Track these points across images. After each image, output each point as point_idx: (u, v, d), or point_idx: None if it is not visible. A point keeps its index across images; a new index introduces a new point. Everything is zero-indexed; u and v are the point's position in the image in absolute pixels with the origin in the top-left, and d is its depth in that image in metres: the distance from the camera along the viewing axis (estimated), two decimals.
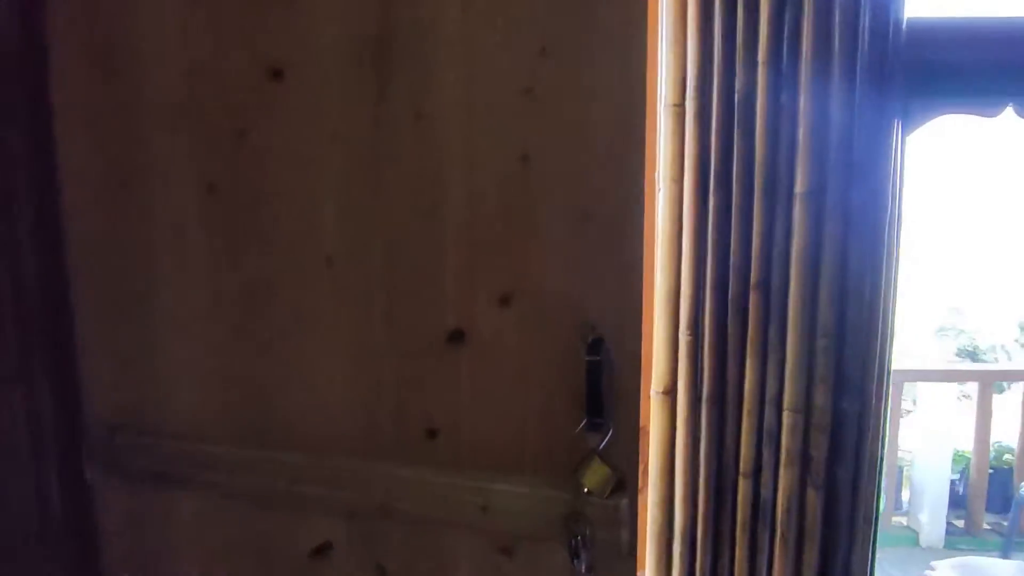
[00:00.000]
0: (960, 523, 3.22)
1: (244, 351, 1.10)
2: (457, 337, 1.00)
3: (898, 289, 1.13)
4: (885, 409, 1.12)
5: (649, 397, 1.16)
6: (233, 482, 1.13)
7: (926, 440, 3.31)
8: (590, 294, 0.93)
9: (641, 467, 1.22)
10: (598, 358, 0.90)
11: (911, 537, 3.20)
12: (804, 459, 1.09)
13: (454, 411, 1.02)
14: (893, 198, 1.06)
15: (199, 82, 1.07)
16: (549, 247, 0.93)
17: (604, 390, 0.92)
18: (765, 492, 1.10)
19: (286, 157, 1.04)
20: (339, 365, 1.06)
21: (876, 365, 1.07)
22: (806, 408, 1.08)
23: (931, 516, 3.16)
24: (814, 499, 1.10)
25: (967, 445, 3.21)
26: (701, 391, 1.10)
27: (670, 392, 1.12)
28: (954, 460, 3.25)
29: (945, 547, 3.10)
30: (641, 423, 1.20)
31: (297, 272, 1.06)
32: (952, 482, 3.22)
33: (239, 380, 1.11)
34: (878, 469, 1.12)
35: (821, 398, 1.07)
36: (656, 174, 1.10)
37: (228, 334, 1.11)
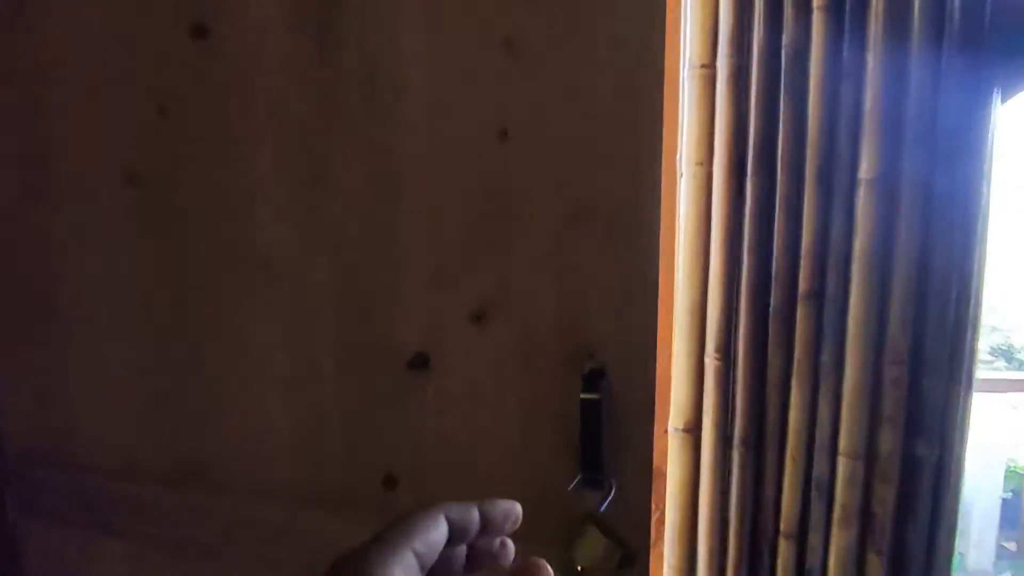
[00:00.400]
0: (1012, 546, 2.94)
1: (171, 375, 0.90)
2: (419, 363, 0.79)
3: (983, 301, 0.89)
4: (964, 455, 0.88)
5: (666, 434, 0.93)
6: (162, 530, 0.94)
7: (975, 453, 3.02)
8: (588, 310, 0.71)
9: (656, 516, 1.00)
10: (596, 396, 0.68)
11: (956, 559, 2.92)
12: (864, 517, 0.85)
13: (416, 455, 0.81)
14: (986, 185, 0.82)
15: (110, 43, 0.87)
16: (535, 250, 0.72)
17: (605, 437, 0.70)
18: (812, 558, 0.87)
19: (213, 137, 0.84)
20: (279, 394, 0.86)
21: (960, 400, 0.84)
22: (868, 454, 0.84)
23: (979, 537, 2.88)
24: (877, 567, 0.86)
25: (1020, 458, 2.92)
26: (732, 430, 0.87)
27: (692, 430, 0.90)
28: (1006, 476, 2.96)
29: (995, 572, 2.82)
30: (656, 464, 0.97)
31: (230, 279, 0.86)
32: (1003, 500, 2.93)
33: (165, 409, 0.91)
34: (956, 529, 0.88)
35: (888, 442, 0.83)
36: (678, 156, 0.87)
37: (152, 354, 0.91)
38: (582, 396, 0.68)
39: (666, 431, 0.93)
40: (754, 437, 0.87)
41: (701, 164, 0.84)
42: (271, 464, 0.87)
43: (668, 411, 0.93)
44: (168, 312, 0.90)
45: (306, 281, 0.82)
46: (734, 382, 0.86)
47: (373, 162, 0.77)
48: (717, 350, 0.86)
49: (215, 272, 0.87)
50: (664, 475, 0.98)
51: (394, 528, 0.28)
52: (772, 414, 0.86)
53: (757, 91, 0.81)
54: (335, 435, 0.83)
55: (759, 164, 0.82)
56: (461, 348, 0.76)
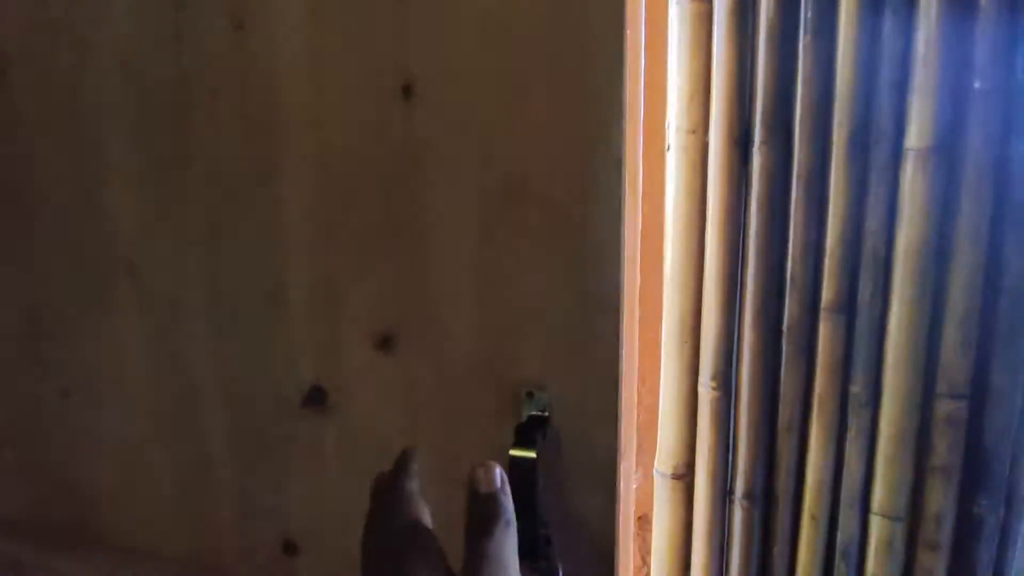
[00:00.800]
0: None
1: (28, 405, 0.73)
2: (316, 398, 0.60)
3: None
4: None
5: (651, 478, 0.74)
6: None
7: None
8: (527, 332, 0.52)
9: (643, 573, 0.81)
10: (531, 454, 0.49)
11: None
12: None
13: (318, 515, 0.63)
14: None
15: None
16: (454, 248, 0.53)
17: (546, 509, 0.51)
18: None
19: (56, 100, 0.65)
20: (155, 435, 0.68)
21: None
22: (911, 513, 0.65)
23: None
24: None
25: None
26: (733, 479, 0.68)
27: (683, 476, 0.71)
28: None
29: None
30: (643, 511, 0.78)
31: (90, 288, 0.68)
32: None
33: (24, 451, 0.74)
34: None
35: (938, 497, 0.64)
36: (667, 121, 0.67)
37: (5, 380, 0.74)
38: (512, 453, 0.48)
39: (650, 475, 0.74)
40: (761, 489, 0.67)
41: (694, 132, 0.64)
42: (153, 523, 0.69)
43: (653, 450, 0.74)
44: (19, 328, 0.73)
45: (175, 290, 0.63)
46: (736, 418, 0.67)
47: (246, 136, 0.58)
48: (714, 377, 0.66)
49: (70, 277, 0.69)
50: (650, 522, 0.79)
51: (397, 511, 0.29)
52: (785, 460, 0.66)
53: (768, 32, 0.60)
54: (225, 488, 0.66)
55: (770, 131, 0.62)
56: (364, 381, 0.57)
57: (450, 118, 0.50)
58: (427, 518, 0.30)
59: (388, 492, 0.30)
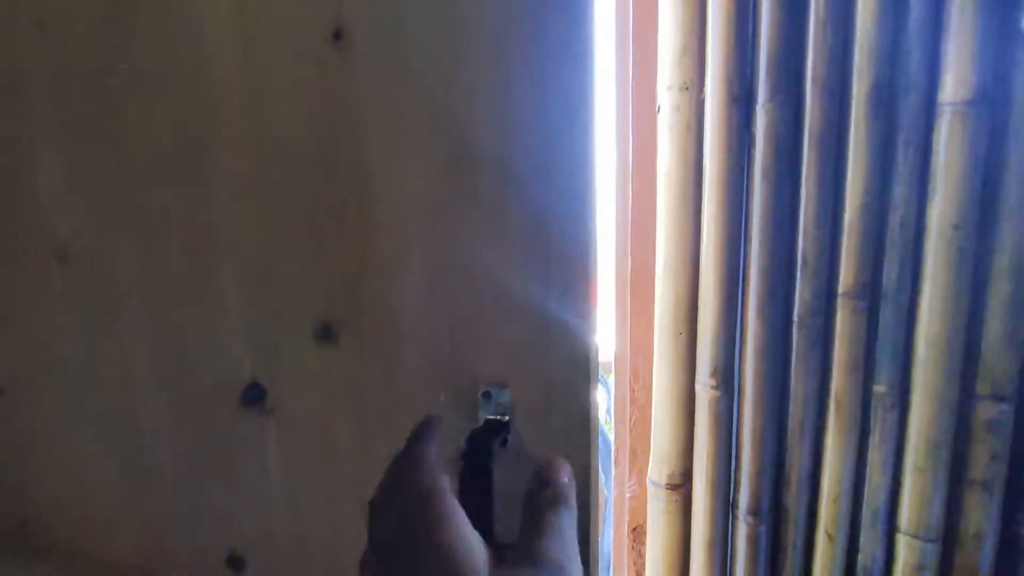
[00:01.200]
0: None
1: None
2: (255, 396, 0.53)
3: None
4: None
5: (645, 487, 0.66)
6: None
7: None
8: (485, 324, 0.44)
9: None
10: (487, 466, 0.41)
11: None
12: None
13: (264, 527, 0.56)
14: None
15: None
16: (401, 228, 0.45)
17: (513, 527, 0.43)
18: None
19: None
20: (93, 433, 0.62)
21: None
22: (946, 533, 0.56)
23: None
24: None
25: None
26: (736, 491, 0.59)
27: (681, 486, 0.62)
28: None
29: None
30: (636, 523, 0.70)
31: (21, 277, 0.61)
32: None
33: None
34: None
35: (977, 515, 0.54)
36: (658, 78, 0.58)
37: None
38: (463, 463, 0.41)
39: (644, 485, 0.66)
40: (769, 502, 0.58)
41: (687, 88, 0.55)
42: (95, 527, 0.63)
43: (646, 455, 0.66)
44: None
45: (110, 279, 0.56)
46: (739, 421, 0.58)
47: (174, 107, 0.50)
48: (713, 374, 0.58)
49: (3, 267, 0.62)
50: (644, 533, 0.71)
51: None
52: (796, 470, 0.57)
53: None
54: (165, 497, 0.59)
55: (777, 85, 0.53)
56: (305, 377, 0.50)
57: (395, 69, 0.42)
58: (445, 483, 0.28)
59: (403, 459, 0.29)
